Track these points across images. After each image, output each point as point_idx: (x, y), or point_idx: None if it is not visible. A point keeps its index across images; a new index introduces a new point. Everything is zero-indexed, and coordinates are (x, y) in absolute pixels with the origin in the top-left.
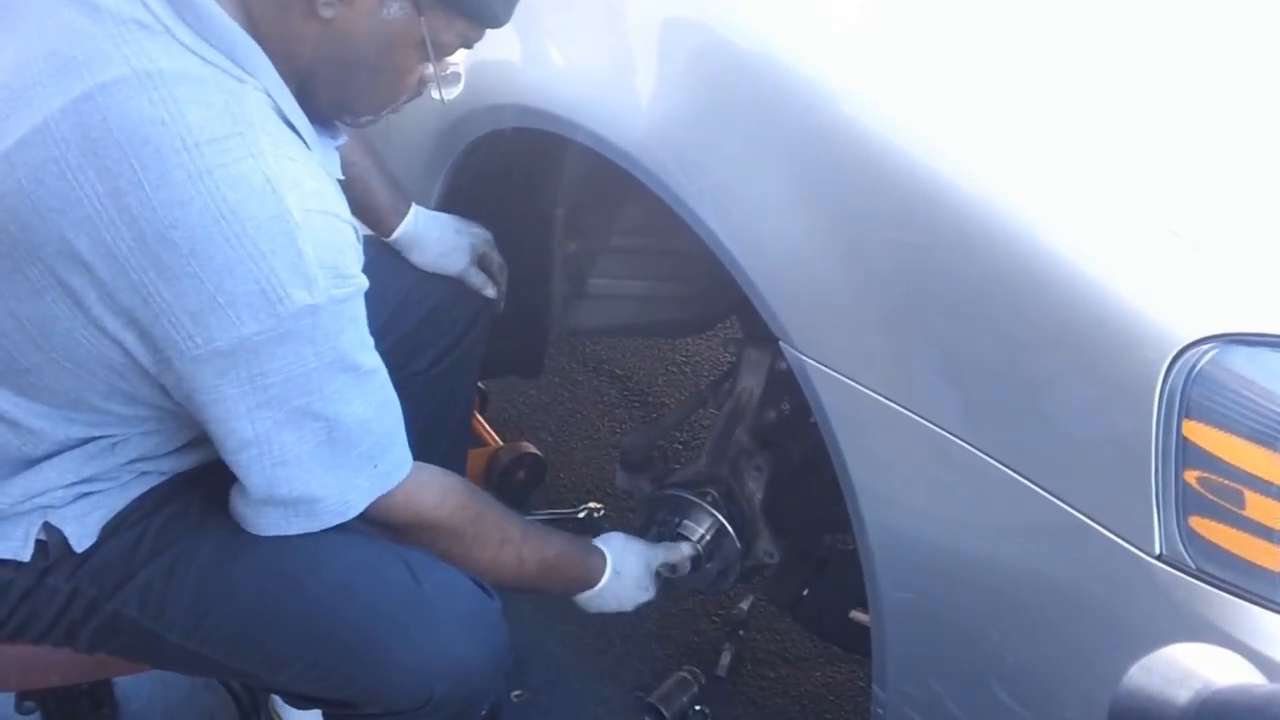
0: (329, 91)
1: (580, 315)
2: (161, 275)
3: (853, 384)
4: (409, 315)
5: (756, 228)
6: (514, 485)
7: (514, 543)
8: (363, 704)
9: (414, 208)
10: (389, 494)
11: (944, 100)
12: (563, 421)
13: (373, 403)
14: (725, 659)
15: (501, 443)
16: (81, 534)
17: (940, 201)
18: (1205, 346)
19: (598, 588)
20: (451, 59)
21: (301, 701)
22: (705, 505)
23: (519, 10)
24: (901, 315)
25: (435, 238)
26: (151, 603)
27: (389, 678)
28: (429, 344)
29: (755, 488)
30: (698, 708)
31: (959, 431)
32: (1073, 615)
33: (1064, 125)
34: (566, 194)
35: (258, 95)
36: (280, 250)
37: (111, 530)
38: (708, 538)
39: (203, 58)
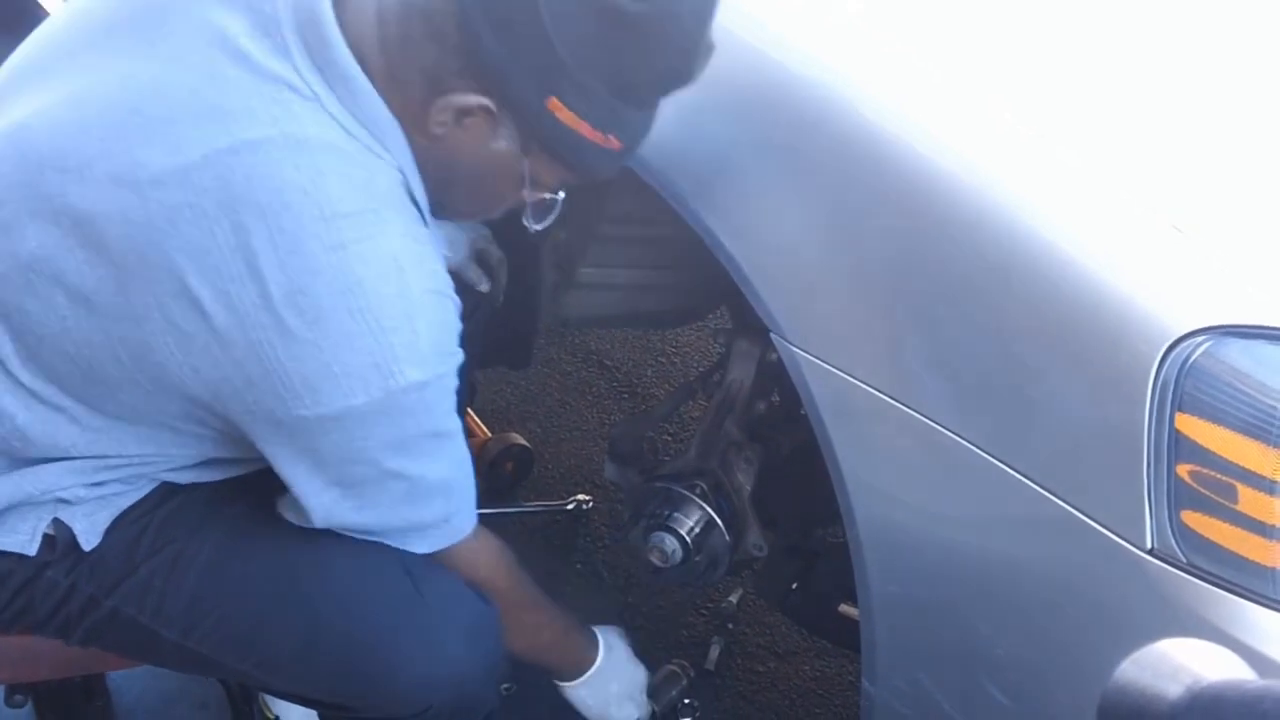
0: (428, 188)
1: (569, 305)
2: (282, 337)
3: (843, 375)
4: None
5: (748, 218)
6: (502, 477)
7: (545, 632)
8: (360, 710)
9: None
10: (450, 550)
11: (939, 89)
12: (551, 412)
13: (453, 461)
14: (714, 653)
15: (490, 434)
16: (90, 532)
17: (933, 192)
18: (1199, 339)
19: (582, 679)
20: (551, 194)
21: (298, 702)
22: (694, 497)
23: None
24: (893, 306)
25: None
26: (150, 600)
27: (388, 686)
28: None
29: (744, 480)
30: (687, 701)
31: (950, 424)
32: (1063, 609)
33: (1058, 115)
34: None
35: (392, 173)
36: (399, 328)
37: (115, 524)
38: (696, 530)
39: (347, 130)
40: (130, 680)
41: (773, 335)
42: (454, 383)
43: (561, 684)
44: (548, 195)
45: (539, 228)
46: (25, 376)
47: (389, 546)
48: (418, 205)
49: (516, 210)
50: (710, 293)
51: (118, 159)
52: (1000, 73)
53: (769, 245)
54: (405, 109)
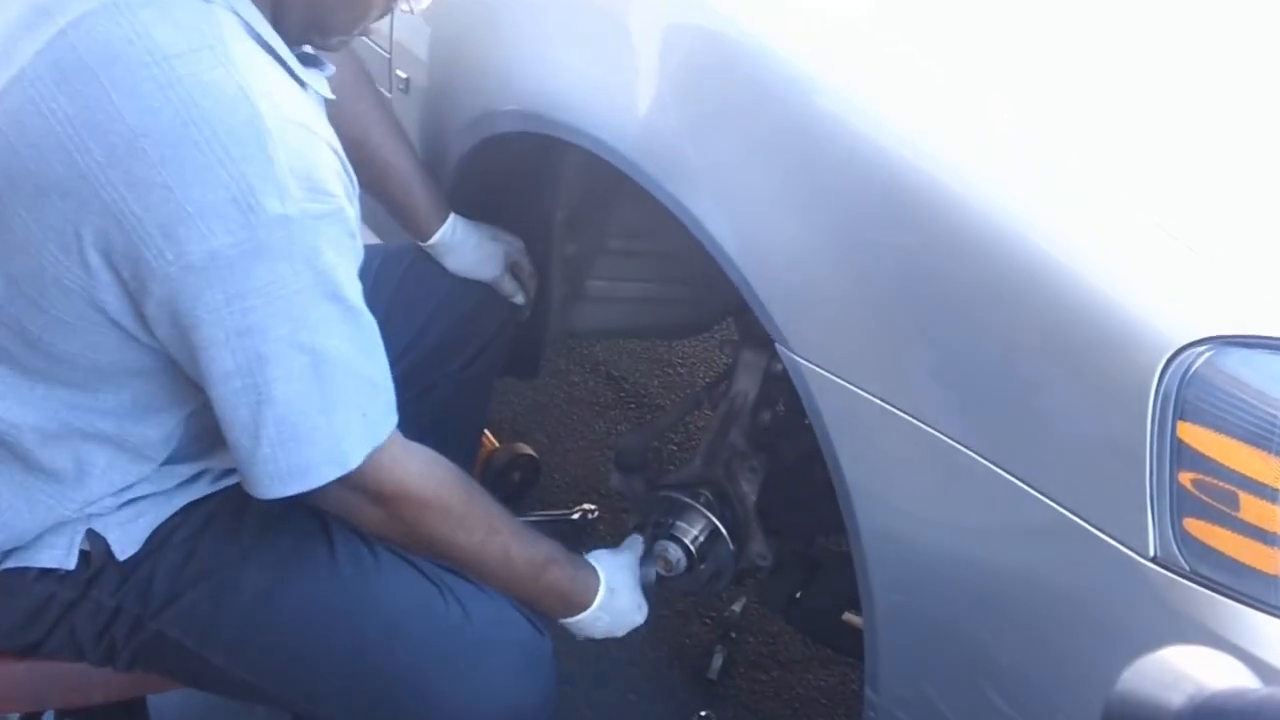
0: (298, 11)
1: (577, 317)
2: (131, 188)
3: (847, 386)
4: (445, 319)
5: (753, 230)
6: (509, 486)
7: (502, 535)
8: None
9: (452, 215)
10: (378, 454)
11: (941, 102)
12: (558, 422)
13: (358, 342)
14: (717, 661)
15: (497, 443)
16: (125, 541)
17: (936, 203)
18: (1200, 348)
19: (592, 607)
20: None
21: None
22: (699, 506)
23: (519, 16)
24: (897, 317)
25: (472, 245)
26: (197, 625)
27: (438, 717)
28: (462, 347)
29: (749, 489)
30: (703, 714)
31: (953, 433)
32: (1066, 618)
33: (1060, 127)
34: (566, 197)
35: (226, 14)
36: (251, 156)
37: (158, 544)
38: (701, 539)
39: None
40: (168, 701)
41: (778, 346)
42: (339, 234)
43: (569, 623)
44: None
45: (420, 8)
46: None
47: (437, 572)
48: (270, 50)
49: (390, 9)
50: (716, 305)
51: None
52: (1003, 81)
53: (774, 258)
54: None
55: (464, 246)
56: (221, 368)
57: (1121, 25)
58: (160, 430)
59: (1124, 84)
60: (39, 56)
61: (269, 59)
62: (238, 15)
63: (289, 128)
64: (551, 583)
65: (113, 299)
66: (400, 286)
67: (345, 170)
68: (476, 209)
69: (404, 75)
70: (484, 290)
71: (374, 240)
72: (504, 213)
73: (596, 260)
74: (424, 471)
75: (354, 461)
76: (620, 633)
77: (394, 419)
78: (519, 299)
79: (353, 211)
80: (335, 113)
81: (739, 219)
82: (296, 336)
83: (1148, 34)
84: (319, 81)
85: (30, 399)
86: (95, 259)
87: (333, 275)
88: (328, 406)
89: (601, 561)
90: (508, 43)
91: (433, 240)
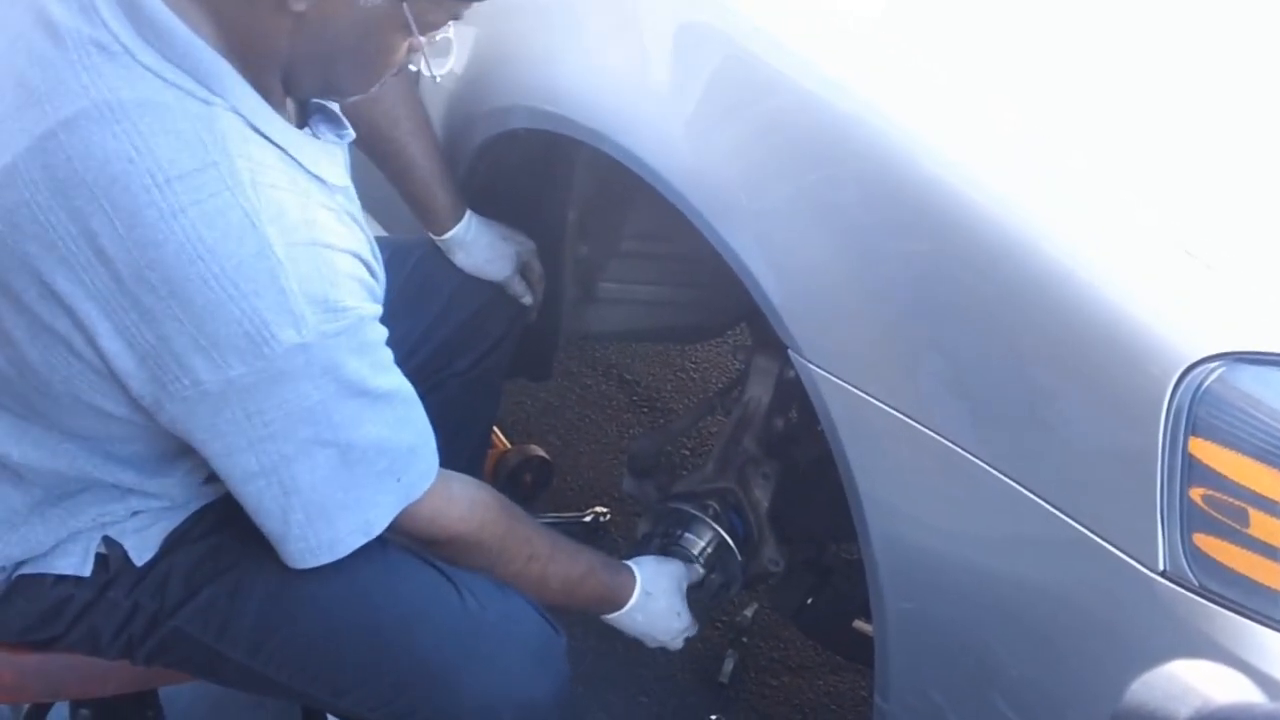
0: (312, 79)
1: (590, 319)
2: (143, 317)
3: (860, 394)
4: (455, 316)
5: (768, 237)
6: (521, 488)
7: (540, 560)
8: None
9: (468, 213)
10: (415, 508)
11: (958, 112)
12: (571, 425)
13: (389, 420)
14: (728, 666)
15: (509, 445)
16: (141, 547)
17: (950, 214)
18: (1212, 364)
19: (626, 608)
20: (440, 31)
21: None
22: (706, 519)
23: (531, 11)
24: (910, 326)
25: (485, 243)
26: (214, 621)
27: (453, 710)
28: (471, 346)
29: (761, 495)
30: (714, 717)
31: (965, 443)
32: (1075, 629)
33: (1076, 139)
34: (578, 197)
35: (227, 117)
36: (263, 290)
37: (173, 545)
38: (709, 550)
39: (164, 79)
40: (179, 689)
41: (790, 353)
42: (362, 340)
43: (610, 619)
44: (440, 33)
45: (441, 74)
46: None
47: (452, 568)
48: (276, 143)
49: (409, 62)
50: (729, 310)
51: None
52: (1017, 90)
53: (789, 264)
54: (253, 10)
55: (476, 244)
56: (244, 469)
57: (1138, 33)
58: (180, 474)
59: (1141, 95)
60: (31, 155)
61: (279, 155)
62: (241, 116)
63: (300, 251)
64: (588, 592)
65: (123, 402)
66: (407, 284)
67: (365, 264)
68: (487, 207)
69: (416, 69)
70: (492, 290)
71: (381, 233)
72: (515, 212)
73: (609, 262)
74: (465, 517)
75: (379, 529)
76: (665, 638)
77: (433, 474)
78: (527, 300)
79: (376, 308)
80: (366, 104)
81: (755, 225)
82: (321, 436)
83: (1163, 43)
84: (335, 166)
85: (44, 443)
86: (104, 369)
87: (356, 378)
88: (354, 486)
89: (643, 566)
90: (523, 38)
91: (447, 235)
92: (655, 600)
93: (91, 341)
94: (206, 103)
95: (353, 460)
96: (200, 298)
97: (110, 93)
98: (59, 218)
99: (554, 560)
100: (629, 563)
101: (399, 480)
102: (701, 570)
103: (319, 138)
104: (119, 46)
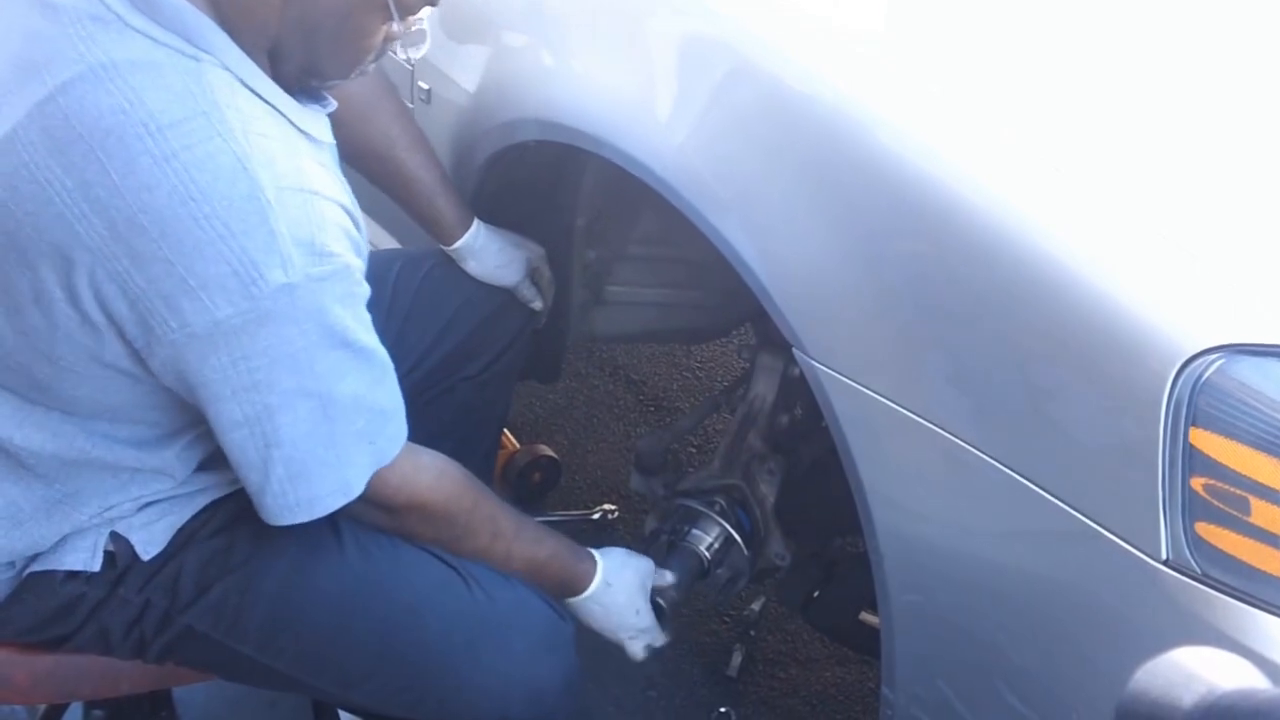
0: (296, 57)
1: (598, 322)
2: (134, 262)
3: (864, 390)
4: (465, 322)
5: (772, 238)
6: (530, 487)
7: (505, 538)
8: None
9: (476, 221)
10: (386, 473)
11: (955, 113)
12: (579, 425)
13: (367, 378)
14: (736, 659)
15: (518, 445)
16: (148, 541)
17: (952, 213)
18: (1212, 356)
19: (584, 595)
20: (416, 16)
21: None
22: (713, 515)
23: (542, 23)
24: (913, 323)
25: (494, 250)
26: (225, 618)
27: (463, 699)
28: (481, 351)
29: (768, 491)
30: (722, 709)
31: (969, 437)
32: (1080, 619)
33: (1074, 136)
34: (587, 204)
35: (217, 72)
36: (252, 230)
37: (184, 541)
38: (716, 546)
39: (154, 39)
40: (193, 690)
41: (795, 351)
42: (346, 289)
43: (568, 604)
44: (417, 21)
45: (416, 57)
46: None
47: (458, 559)
48: (265, 99)
49: (386, 52)
50: (734, 310)
51: None
52: (1015, 91)
53: (792, 265)
54: None
55: (486, 252)
56: (229, 418)
57: (1132, 34)
58: (178, 451)
59: (1138, 93)
60: (30, 120)
61: (267, 109)
62: (230, 71)
63: (289, 195)
64: (552, 574)
65: (119, 354)
66: (420, 292)
67: (350, 217)
68: (497, 216)
69: (425, 86)
70: (502, 295)
71: (393, 244)
72: (525, 220)
73: (617, 266)
74: (432, 485)
75: (357, 490)
76: (623, 634)
77: (403, 439)
78: (537, 305)
79: (360, 262)
80: (361, 127)
81: (759, 227)
82: (304, 386)
83: (1158, 42)
84: (320, 124)
85: (46, 424)
86: (100, 318)
87: (340, 326)
88: (334, 443)
89: (608, 557)
90: (534, 51)
91: (457, 244)
92: (615, 593)
93: (89, 292)
94: (195, 59)
95: (334, 415)
96: (190, 238)
97: (104, 55)
98: (56, 174)
99: (519, 540)
100: (595, 551)
101: (373, 443)
102: (672, 577)
103: (303, 106)
104: (111, 15)
